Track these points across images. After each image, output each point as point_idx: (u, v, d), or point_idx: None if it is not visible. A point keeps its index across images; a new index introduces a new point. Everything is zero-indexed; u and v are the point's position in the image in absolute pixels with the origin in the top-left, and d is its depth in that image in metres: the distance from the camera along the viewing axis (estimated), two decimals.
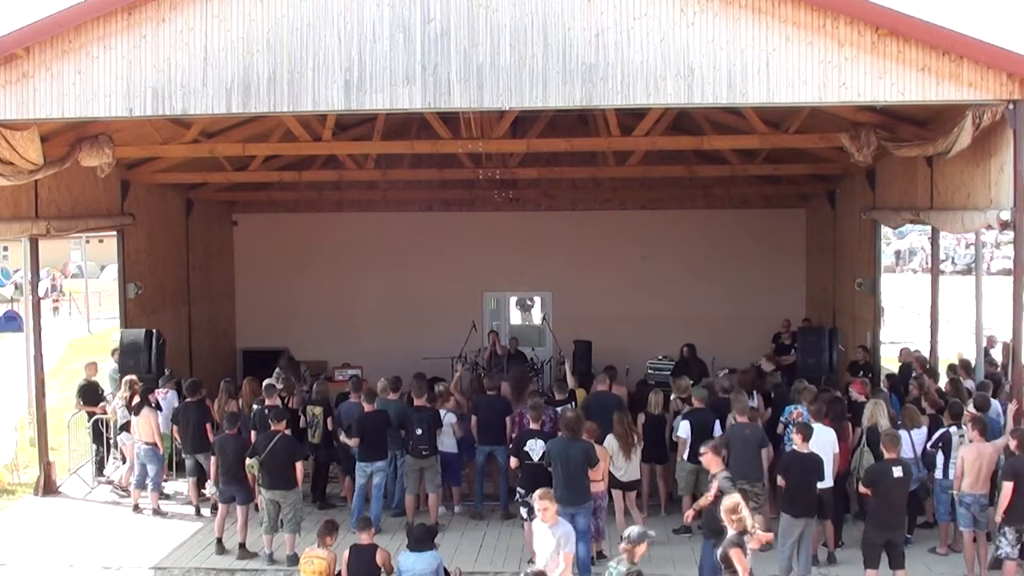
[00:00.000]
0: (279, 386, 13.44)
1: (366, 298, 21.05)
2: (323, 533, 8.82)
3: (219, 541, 11.41)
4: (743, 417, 11.22)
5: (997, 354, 15.73)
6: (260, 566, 11.01)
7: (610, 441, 11.22)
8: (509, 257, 20.97)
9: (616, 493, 11.41)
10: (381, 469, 12.05)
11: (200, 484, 12.95)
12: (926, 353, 15.47)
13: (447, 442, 12.36)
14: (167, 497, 13.45)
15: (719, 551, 8.03)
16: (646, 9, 9.87)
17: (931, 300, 15.48)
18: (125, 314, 16.15)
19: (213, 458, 11.62)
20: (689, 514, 10.67)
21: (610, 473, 11.21)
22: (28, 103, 10.45)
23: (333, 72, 10.12)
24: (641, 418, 12.22)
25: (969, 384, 13.33)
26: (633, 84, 9.95)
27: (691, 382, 13.36)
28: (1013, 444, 9.59)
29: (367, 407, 12.06)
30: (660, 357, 17.73)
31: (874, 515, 9.55)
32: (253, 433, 11.93)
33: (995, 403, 11.48)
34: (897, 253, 52.31)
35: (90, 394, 14.65)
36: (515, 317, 22.97)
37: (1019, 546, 9.49)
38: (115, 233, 16.48)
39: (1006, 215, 9.74)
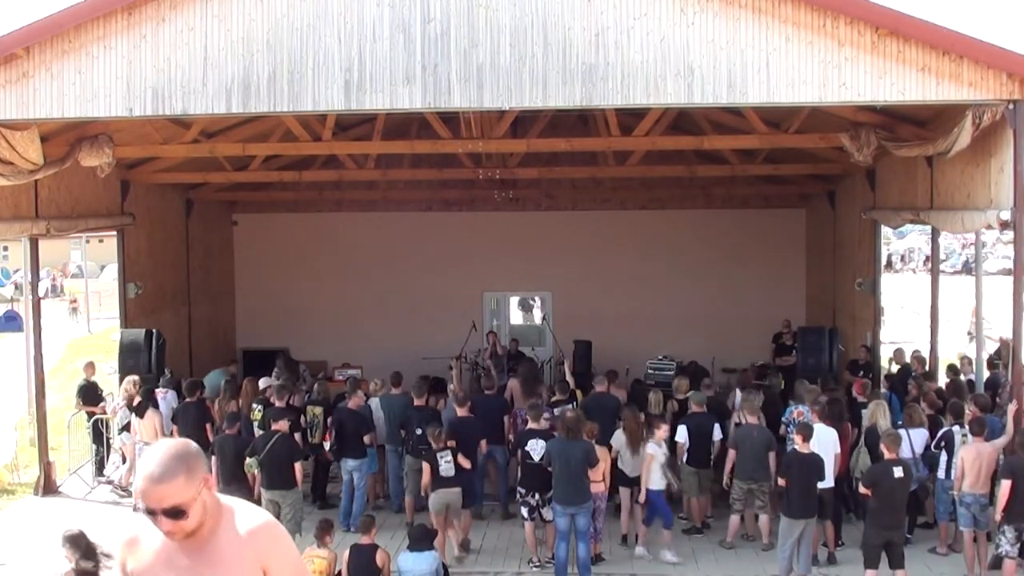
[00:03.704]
0: (272, 382, 13.54)
1: (366, 298, 21.04)
2: (321, 532, 8.82)
3: None
4: (753, 417, 11.22)
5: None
6: None
7: (618, 436, 11.28)
8: (509, 257, 20.96)
9: (624, 491, 11.46)
10: (356, 468, 12.11)
11: None
12: (925, 353, 15.48)
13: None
14: None
15: None
16: (646, 9, 9.85)
17: (931, 300, 15.48)
18: (125, 314, 16.14)
19: (214, 458, 11.61)
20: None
21: (618, 469, 11.28)
22: (28, 103, 10.44)
23: (333, 72, 10.11)
24: (641, 417, 12.22)
25: (970, 377, 13.36)
26: (633, 84, 9.94)
27: (687, 381, 13.41)
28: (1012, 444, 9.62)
29: (350, 403, 12.26)
30: (660, 357, 17.73)
31: (874, 515, 9.55)
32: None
33: None
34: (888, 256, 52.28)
35: (90, 394, 14.66)
36: (515, 317, 22.97)
37: (1019, 545, 9.49)
38: (115, 233, 16.48)
39: (1006, 215, 9.74)
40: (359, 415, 12.26)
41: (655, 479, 10.90)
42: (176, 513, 3.13)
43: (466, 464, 10.89)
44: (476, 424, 11.70)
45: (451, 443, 10.90)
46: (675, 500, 12.56)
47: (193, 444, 3.29)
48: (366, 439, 12.14)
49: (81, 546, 6.83)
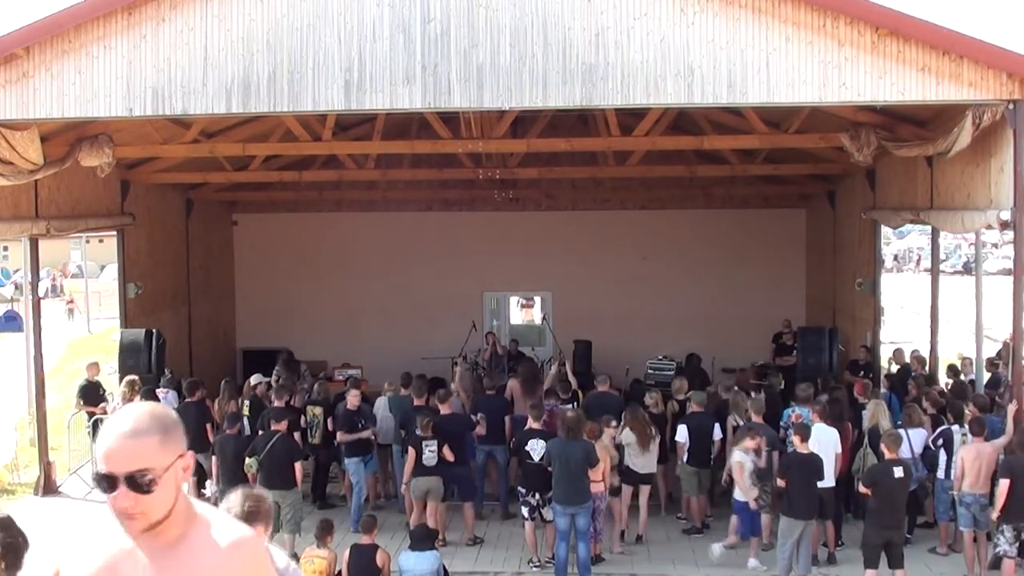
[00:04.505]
0: (263, 379, 13.64)
1: (366, 298, 21.03)
2: (321, 533, 8.82)
3: None
4: (758, 418, 11.24)
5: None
6: None
7: (627, 434, 11.29)
8: (509, 257, 20.95)
9: (626, 489, 11.48)
10: (350, 466, 12.21)
11: (200, 484, 12.95)
12: (925, 353, 15.48)
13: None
14: None
15: None
16: (646, 9, 9.85)
17: (931, 300, 15.49)
18: (125, 314, 16.14)
19: (214, 458, 11.62)
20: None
21: (626, 466, 11.30)
22: (28, 103, 10.43)
23: (333, 72, 10.11)
24: (645, 416, 12.19)
25: (971, 377, 13.36)
26: (633, 84, 9.93)
27: (686, 382, 13.42)
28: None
29: (348, 403, 12.43)
30: (660, 357, 17.73)
31: (874, 515, 9.56)
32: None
33: None
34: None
35: (91, 394, 14.64)
36: (515, 317, 22.95)
37: (1017, 544, 9.50)
38: (115, 233, 16.48)
39: (1006, 215, 9.73)
40: (357, 414, 12.29)
41: (738, 491, 10.70)
42: (141, 484, 2.54)
43: (449, 457, 11.20)
44: (461, 421, 11.98)
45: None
46: (675, 500, 12.61)
47: (173, 413, 2.79)
48: (340, 436, 12.26)
49: (7, 531, 6.73)
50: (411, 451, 11.28)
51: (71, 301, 39.35)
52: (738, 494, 10.72)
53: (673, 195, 20.40)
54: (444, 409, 11.85)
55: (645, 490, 11.54)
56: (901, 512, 9.76)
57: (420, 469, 11.19)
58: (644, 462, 11.43)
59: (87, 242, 39.39)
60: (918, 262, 49.80)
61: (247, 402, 13.16)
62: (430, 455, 11.13)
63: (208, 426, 12.67)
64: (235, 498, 4.33)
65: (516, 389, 13.73)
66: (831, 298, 19.09)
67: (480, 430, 12.08)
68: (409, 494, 11.69)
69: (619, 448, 11.43)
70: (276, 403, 12.13)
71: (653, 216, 20.83)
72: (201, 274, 19.76)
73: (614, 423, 11.34)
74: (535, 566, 10.84)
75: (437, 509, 11.29)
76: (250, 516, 4.20)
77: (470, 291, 21.07)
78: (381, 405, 12.90)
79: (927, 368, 14.86)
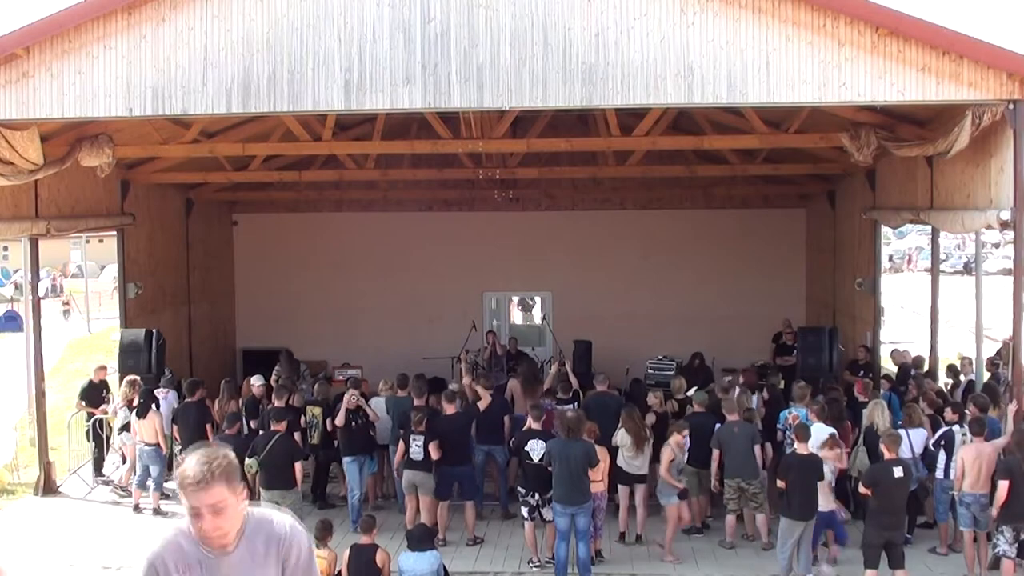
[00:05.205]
0: (259, 382, 13.67)
1: (366, 298, 21.03)
2: (321, 533, 8.82)
3: None
4: (732, 415, 11.27)
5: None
6: None
7: (622, 435, 11.29)
8: (509, 257, 20.97)
9: (623, 489, 11.48)
10: (349, 464, 12.31)
11: None
12: (925, 353, 15.48)
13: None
14: (167, 497, 13.45)
15: None
16: (646, 9, 9.86)
17: (931, 300, 15.49)
18: (125, 314, 16.16)
19: None
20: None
21: (618, 467, 11.29)
22: (28, 103, 10.44)
23: (333, 72, 10.11)
24: (651, 418, 12.17)
25: (970, 378, 13.35)
26: (633, 84, 9.94)
27: (684, 381, 13.42)
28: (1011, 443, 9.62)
29: (345, 403, 12.42)
30: (660, 357, 17.73)
31: (874, 515, 9.55)
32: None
33: None
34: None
35: (92, 395, 14.61)
36: (515, 317, 22.94)
37: (1016, 544, 9.50)
38: (115, 233, 16.49)
39: (1006, 215, 9.73)
40: (355, 413, 12.33)
41: (822, 501, 10.31)
42: None
43: (435, 454, 11.29)
44: (462, 420, 11.94)
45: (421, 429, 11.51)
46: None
47: None
48: (328, 425, 12.36)
49: None
50: (400, 444, 11.57)
51: (67, 302, 39.33)
52: (821, 504, 10.28)
53: (673, 195, 20.40)
54: (449, 409, 11.85)
55: (640, 489, 11.52)
56: (901, 512, 9.76)
57: (408, 462, 11.44)
58: (639, 463, 11.41)
59: (87, 242, 39.36)
60: (909, 261, 49.95)
61: (243, 402, 13.19)
62: (416, 449, 11.31)
63: (208, 426, 12.67)
64: (190, 459, 3.57)
65: (516, 389, 13.74)
66: (831, 298, 19.09)
67: (484, 398, 12.24)
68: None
69: (617, 449, 11.44)
70: (276, 403, 12.12)
71: (653, 216, 20.84)
72: (201, 274, 19.76)
73: (686, 432, 11.25)
74: (535, 566, 10.84)
75: (431, 504, 11.32)
76: (209, 474, 3.46)
77: (470, 291, 21.07)
78: (378, 406, 12.89)
79: (925, 368, 14.85)
